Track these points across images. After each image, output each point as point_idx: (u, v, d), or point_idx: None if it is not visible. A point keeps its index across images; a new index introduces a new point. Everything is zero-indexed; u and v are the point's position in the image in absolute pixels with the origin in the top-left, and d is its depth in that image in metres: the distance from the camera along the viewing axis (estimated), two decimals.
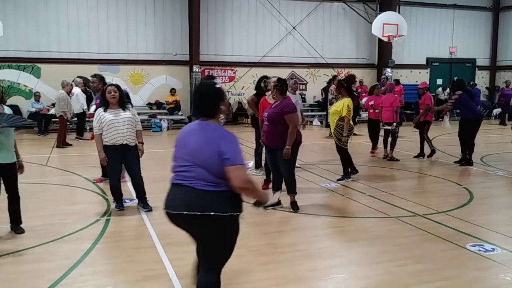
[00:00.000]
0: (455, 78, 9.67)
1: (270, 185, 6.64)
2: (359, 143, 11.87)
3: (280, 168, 5.94)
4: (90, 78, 8.37)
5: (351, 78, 7.72)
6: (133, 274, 4.09)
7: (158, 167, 9.07)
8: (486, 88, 21.45)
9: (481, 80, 21.44)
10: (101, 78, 7.52)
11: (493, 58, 21.52)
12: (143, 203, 6.06)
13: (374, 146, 10.56)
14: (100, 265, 4.37)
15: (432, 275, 4.10)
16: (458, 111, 9.56)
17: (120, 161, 5.86)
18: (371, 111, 10.40)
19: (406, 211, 6.01)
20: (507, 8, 20.81)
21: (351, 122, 7.56)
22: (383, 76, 17.06)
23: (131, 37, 16.47)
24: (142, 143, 6.01)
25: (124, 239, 5.09)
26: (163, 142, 13.68)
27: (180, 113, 16.76)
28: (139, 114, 6.37)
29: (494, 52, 21.47)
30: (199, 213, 2.80)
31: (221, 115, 3.05)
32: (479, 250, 4.65)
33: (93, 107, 7.69)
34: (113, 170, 5.89)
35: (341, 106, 7.40)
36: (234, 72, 17.84)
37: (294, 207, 6.01)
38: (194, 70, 16.69)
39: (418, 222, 5.57)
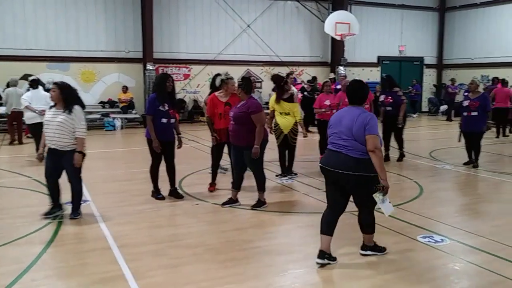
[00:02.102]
0: (384, 75, 9.78)
1: (235, 190, 6.61)
2: (315, 140, 12.04)
3: (249, 167, 5.96)
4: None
5: (275, 78, 7.87)
6: (88, 277, 3.99)
7: (109, 167, 8.89)
8: (434, 85, 22.32)
9: (429, 78, 22.30)
10: None
11: (440, 56, 22.40)
12: (72, 209, 5.61)
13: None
14: (52, 268, 4.23)
15: (386, 266, 4.24)
16: (389, 108, 9.18)
17: (54, 163, 5.45)
18: (327, 111, 8.55)
19: None
20: (452, 8, 21.71)
21: (277, 120, 7.67)
22: (336, 75, 17.44)
23: (81, 34, 15.97)
24: (79, 153, 5.40)
25: (77, 241, 4.95)
26: (116, 142, 13.40)
27: (134, 111, 16.44)
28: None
29: (440, 51, 22.36)
30: (351, 173, 4.02)
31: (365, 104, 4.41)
32: (429, 241, 4.84)
33: None
34: (46, 170, 5.54)
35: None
36: (189, 70, 17.68)
37: (261, 204, 6.04)
38: (147, 67, 16.41)
39: None
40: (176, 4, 17.19)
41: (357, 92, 4.26)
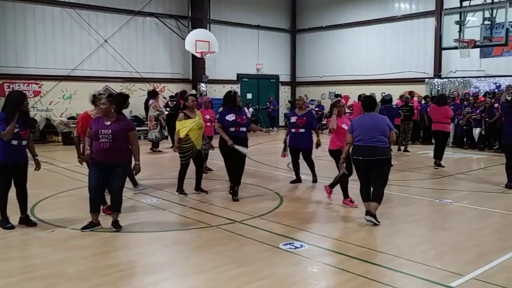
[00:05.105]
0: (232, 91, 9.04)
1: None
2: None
3: (115, 186, 5.70)
4: None
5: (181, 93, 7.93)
6: None
7: None
8: (289, 101, 23.87)
9: (284, 94, 23.82)
10: None
11: (293, 74, 24.12)
12: None
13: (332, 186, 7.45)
14: None
15: (251, 276, 4.39)
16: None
17: None
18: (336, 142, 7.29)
19: (225, 219, 6.31)
20: (302, 30, 23.56)
21: (180, 135, 7.58)
22: (197, 92, 17.59)
23: None
24: None
25: None
26: None
27: None
28: None
29: (293, 69, 24.09)
30: (378, 158, 5.87)
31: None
32: (290, 248, 5.15)
33: None
34: None
35: None
36: (40, 86, 16.36)
37: (117, 226, 5.80)
38: None
39: (237, 228, 5.90)
40: (23, 15, 15.84)
41: (372, 104, 6.24)
